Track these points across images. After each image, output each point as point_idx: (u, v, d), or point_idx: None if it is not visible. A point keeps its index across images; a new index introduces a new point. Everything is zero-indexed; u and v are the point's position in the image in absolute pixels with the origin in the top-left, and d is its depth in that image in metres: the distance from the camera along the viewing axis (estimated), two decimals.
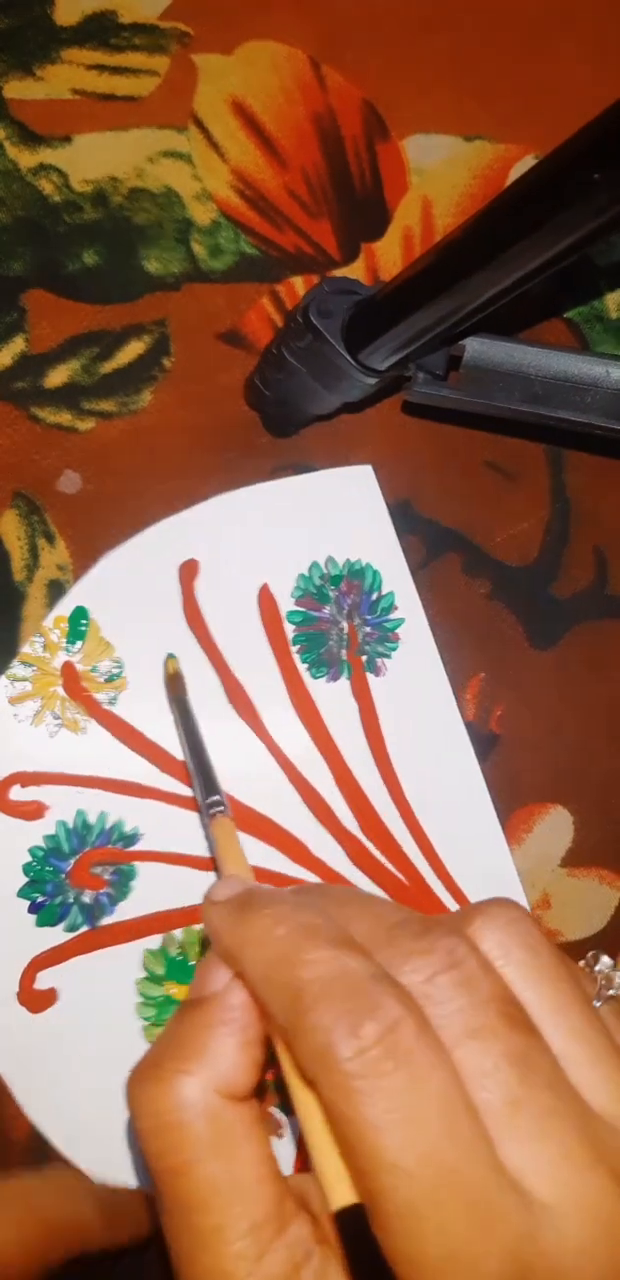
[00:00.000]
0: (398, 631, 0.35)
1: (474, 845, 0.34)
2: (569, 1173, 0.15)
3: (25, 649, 0.33)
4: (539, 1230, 0.15)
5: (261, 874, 0.33)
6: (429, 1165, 0.15)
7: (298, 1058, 0.16)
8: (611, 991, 0.20)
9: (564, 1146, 0.16)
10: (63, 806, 0.33)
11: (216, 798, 0.27)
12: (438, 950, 0.17)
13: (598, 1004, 0.19)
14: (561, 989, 0.17)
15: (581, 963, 0.21)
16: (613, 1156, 0.16)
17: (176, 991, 0.32)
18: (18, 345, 0.34)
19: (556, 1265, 0.15)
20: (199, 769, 0.29)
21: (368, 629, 0.35)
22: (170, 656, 0.33)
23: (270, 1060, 0.18)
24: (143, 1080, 0.18)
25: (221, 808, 0.27)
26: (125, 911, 0.32)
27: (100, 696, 0.33)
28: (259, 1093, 0.18)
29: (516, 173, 0.37)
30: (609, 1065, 0.17)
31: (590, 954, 0.21)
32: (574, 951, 0.35)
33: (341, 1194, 0.16)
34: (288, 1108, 0.31)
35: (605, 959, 0.20)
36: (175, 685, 0.32)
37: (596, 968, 0.20)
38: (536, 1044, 0.16)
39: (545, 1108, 0.16)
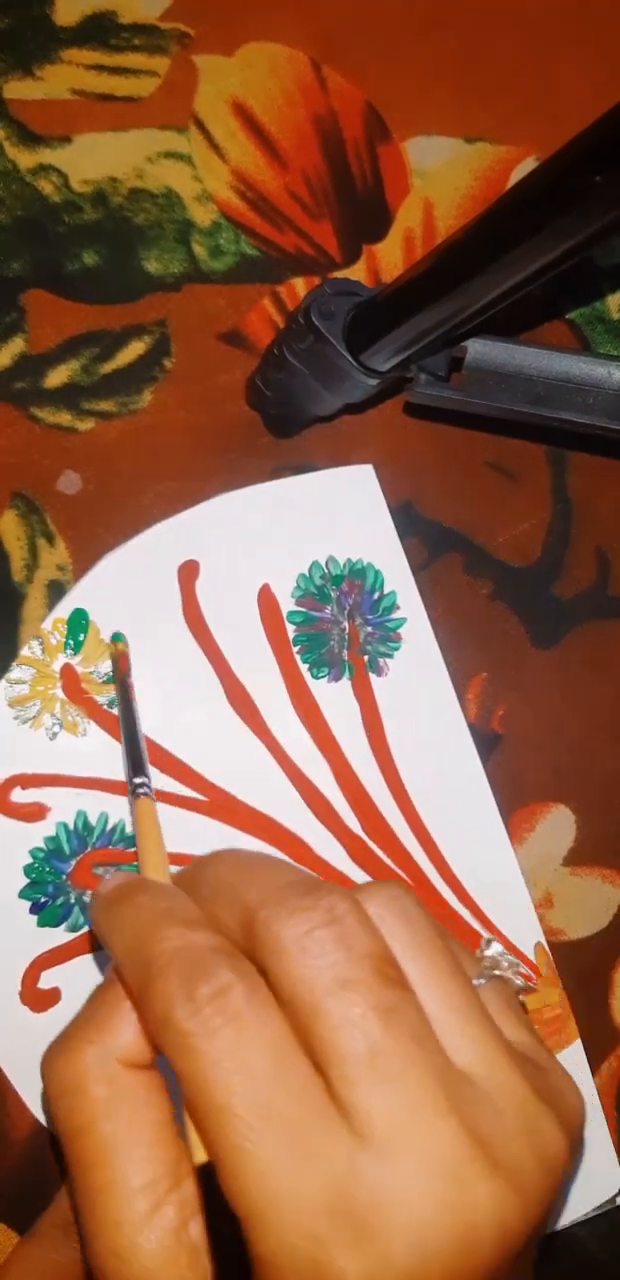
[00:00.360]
0: (400, 631, 0.35)
1: (477, 844, 0.34)
2: (414, 1115, 0.16)
3: (24, 651, 0.33)
4: (365, 1164, 0.16)
5: None
6: (253, 1110, 0.16)
7: (147, 1026, 0.18)
8: (497, 972, 0.20)
9: (420, 1091, 0.16)
10: (64, 808, 0.33)
11: (142, 779, 0.28)
12: (319, 908, 0.18)
13: (482, 981, 0.20)
14: (436, 960, 0.18)
15: (480, 949, 0.21)
16: (466, 1107, 0.17)
17: None
18: (17, 345, 0.34)
19: (378, 1196, 0.16)
20: (130, 749, 0.30)
21: (369, 629, 0.35)
22: (115, 637, 0.33)
23: None
24: (53, 1053, 0.19)
25: (145, 789, 0.27)
26: None
27: (100, 699, 0.33)
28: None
29: (518, 175, 0.37)
30: (477, 1028, 0.18)
31: (485, 940, 0.22)
32: (578, 951, 0.35)
33: (200, 1151, 0.17)
34: None
35: (496, 945, 0.21)
36: (119, 664, 0.33)
37: (487, 951, 0.21)
38: (407, 999, 0.17)
39: (407, 1057, 0.17)
